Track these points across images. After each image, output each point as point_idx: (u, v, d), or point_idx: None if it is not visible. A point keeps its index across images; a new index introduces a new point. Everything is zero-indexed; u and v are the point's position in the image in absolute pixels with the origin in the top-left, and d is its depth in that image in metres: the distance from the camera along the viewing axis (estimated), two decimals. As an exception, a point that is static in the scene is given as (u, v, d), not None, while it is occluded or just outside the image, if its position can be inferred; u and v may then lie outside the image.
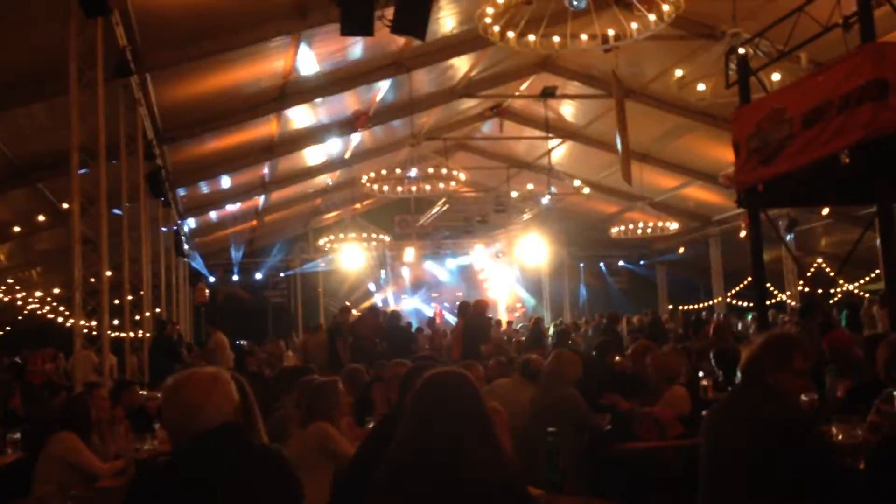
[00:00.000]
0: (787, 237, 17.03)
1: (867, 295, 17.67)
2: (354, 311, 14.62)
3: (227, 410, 2.48)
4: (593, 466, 5.62)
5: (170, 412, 2.57)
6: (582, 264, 26.19)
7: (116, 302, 11.51)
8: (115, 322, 12.70)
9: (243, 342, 19.86)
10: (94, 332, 9.65)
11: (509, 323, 21.48)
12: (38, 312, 20.13)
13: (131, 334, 11.05)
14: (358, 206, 22.18)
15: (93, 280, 8.96)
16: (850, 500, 2.97)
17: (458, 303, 14.48)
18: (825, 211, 16.86)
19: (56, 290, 19.92)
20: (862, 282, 20.30)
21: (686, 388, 6.12)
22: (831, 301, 18.17)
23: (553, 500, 2.89)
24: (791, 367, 3.27)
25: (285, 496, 2.44)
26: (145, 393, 8.61)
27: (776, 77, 10.26)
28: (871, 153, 6.33)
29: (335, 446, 4.67)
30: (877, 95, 6.20)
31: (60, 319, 19.69)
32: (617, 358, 8.78)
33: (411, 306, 24.67)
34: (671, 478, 5.44)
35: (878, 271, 16.06)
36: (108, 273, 9.09)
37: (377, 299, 23.39)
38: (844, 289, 20.33)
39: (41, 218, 14.47)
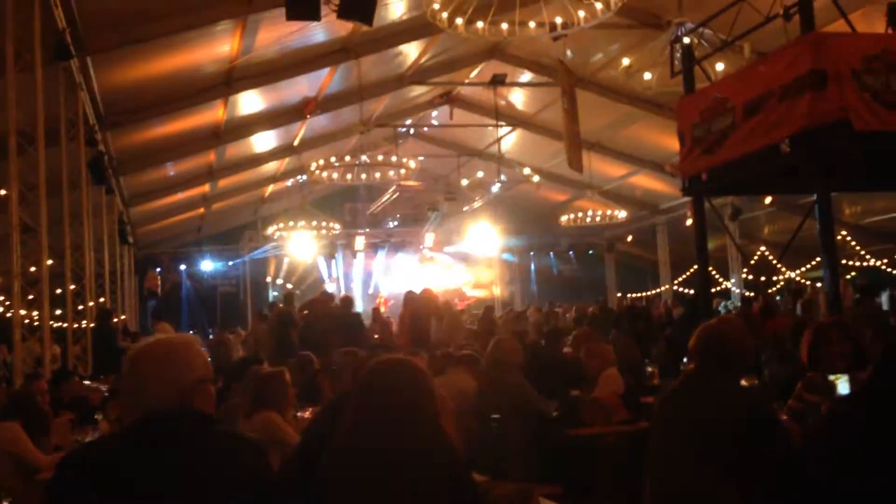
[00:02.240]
0: (732, 226, 17.35)
1: (808, 282, 18.14)
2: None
3: (168, 394, 2.28)
4: (538, 452, 5.69)
5: (121, 388, 2.43)
6: (532, 252, 26.36)
7: (59, 291, 11.27)
8: (58, 312, 12.45)
9: (191, 332, 19.57)
10: (36, 322, 9.46)
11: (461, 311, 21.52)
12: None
13: (74, 325, 10.83)
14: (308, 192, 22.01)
15: (33, 269, 8.75)
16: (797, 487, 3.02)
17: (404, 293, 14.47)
18: (768, 200, 17.21)
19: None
20: (803, 269, 20.79)
21: (616, 370, 6.23)
22: (773, 288, 18.60)
23: (496, 486, 2.91)
24: (746, 352, 3.33)
25: (239, 490, 2.26)
26: (88, 384, 8.45)
27: (720, 67, 10.43)
28: (811, 143, 6.47)
29: (281, 435, 4.65)
30: (816, 86, 6.33)
31: (0, 309, 19.19)
32: (566, 349, 8.88)
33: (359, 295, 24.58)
34: (614, 462, 5.53)
35: (818, 259, 16.48)
36: (49, 262, 8.90)
37: (328, 287, 23.26)
38: (787, 276, 20.81)
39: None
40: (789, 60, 6.68)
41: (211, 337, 18.42)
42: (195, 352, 2.40)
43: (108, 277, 14.20)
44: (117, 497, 2.19)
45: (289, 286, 14.90)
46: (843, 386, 3.70)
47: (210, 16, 10.37)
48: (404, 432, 2.58)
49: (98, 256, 13.11)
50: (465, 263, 25.57)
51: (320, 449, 2.77)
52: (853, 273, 18.69)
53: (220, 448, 2.35)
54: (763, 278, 17.35)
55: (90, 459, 2.30)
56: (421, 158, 17.79)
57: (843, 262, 18.07)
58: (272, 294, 23.42)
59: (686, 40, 9.30)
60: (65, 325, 10.65)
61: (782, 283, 20.31)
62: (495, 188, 18.51)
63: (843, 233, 18.81)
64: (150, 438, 2.27)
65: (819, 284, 17.81)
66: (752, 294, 15.18)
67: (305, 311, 13.44)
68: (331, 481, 2.64)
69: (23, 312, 8.61)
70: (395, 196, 20.75)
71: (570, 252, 26.25)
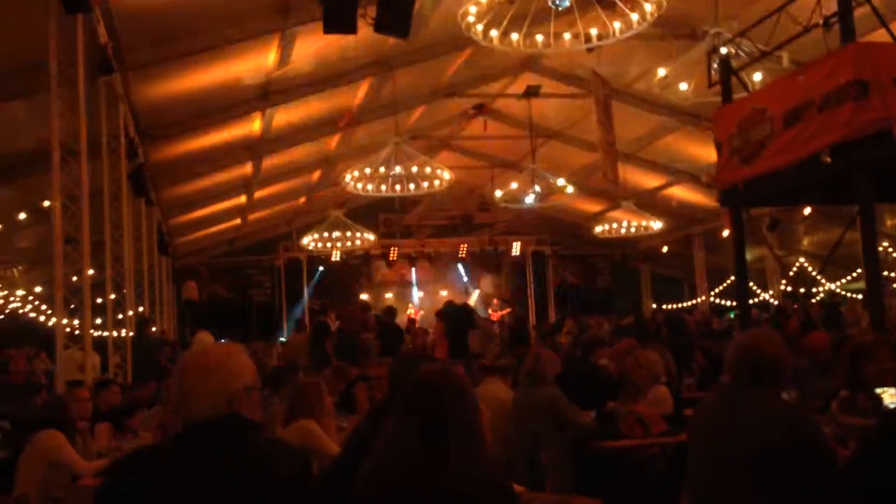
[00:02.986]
0: (770, 236, 17.14)
1: (852, 295, 17.84)
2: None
3: (216, 402, 2.32)
4: (575, 464, 5.66)
5: (172, 392, 2.49)
6: (566, 262, 26.25)
7: (99, 301, 11.45)
8: (98, 321, 12.64)
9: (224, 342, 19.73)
10: (77, 332, 9.61)
11: (494, 322, 21.48)
12: (20, 311, 19.94)
13: (114, 333, 10.98)
14: (341, 211, 22.14)
15: (75, 279, 8.91)
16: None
17: (443, 304, 14.52)
18: (807, 210, 16.99)
19: (38, 289, 19.75)
20: (844, 281, 20.46)
21: (667, 388, 6.17)
22: (814, 300, 18.32)
23: (534, 497, 2.90)
24: (785, 365, 3.27)
25: (282, 499, 2.29)
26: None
27: (758, 77, 10.34)
28: (851, 153, 6.39)
29: (318, 444, 4.69)
30: (857, 95, 6.25)
31: (42, 318, 19.52)
32: (603, 361, 8.81)
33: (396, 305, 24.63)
34: (652, 475, 5.48)
35: (859, 270, 16.21)
36: (91, 272, 9.05)
37: (364, 297, 23.37)
38: (826, 288, 20.49)
39: (22, 216, 14.35)
40: (829, 70, 6.61)
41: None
42: (244, 360, 2.43)
43: (147, 287, 14.40)
44: (167, 502, 2.23)
45: (327, 301, 15.00)
46: (889, 396, 3.62)
47: (248, 30, 10.50)
48: (449, 441, 2.58)
49: (137, 267, 13.31)
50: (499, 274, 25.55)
51: (361, 458, 2.78)
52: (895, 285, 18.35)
53: (268, 454, 2.38)
54: (802, 290, 17.09)
55: (141, 465, 2.35)
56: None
57: (885, 273, 17.77)
58: (309, 305, 23.53)
59: (724, 50, 9.24)
60: (105, 333, 10.80)
61: (822, 295, 20.01)
62: (529, 199, 18.46)
63: (885, 244, 18.50)
64: (201, 444, 2.30)
65: (853, 296, 17.59)
66: (793, 305, 14.96)
67: (339, 322, 13.53)
68: (371, 491, 2.65)
69: (65, 321, 8.76)
70: (429, 208, 20.78)
71: (604, 262, 26.11)
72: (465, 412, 2.65)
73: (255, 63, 11.87)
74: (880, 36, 7.76)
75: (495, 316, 22.92)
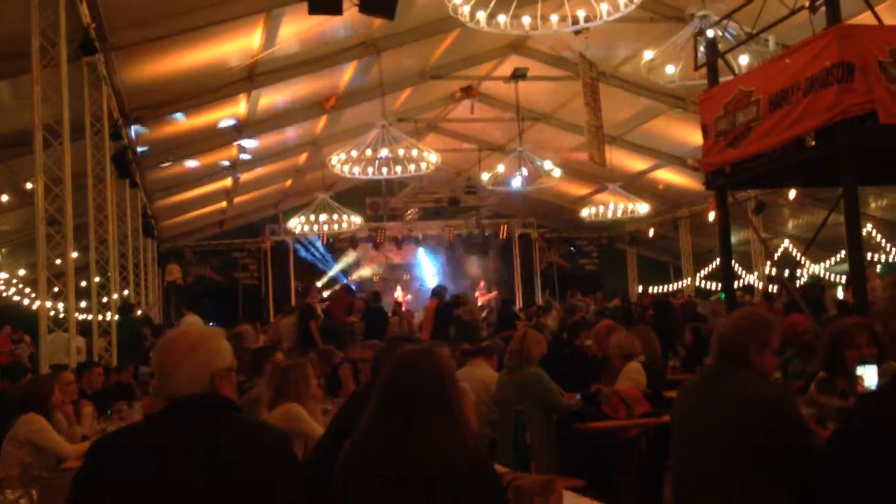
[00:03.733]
0: (755, 219, 17.23)
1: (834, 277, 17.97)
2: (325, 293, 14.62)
3: (199, 379, 2.36)
4: (560, 445, 5.69)
5: (154, 369, 2.51)
6: (552, 247, 26.32)
7: (84, 284, 11.39)
8: (83, 304, 12.59)
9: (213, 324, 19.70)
10: (62, 315, 9.57)
11: (482, 307, 21.52)
12: (3, 294, 19.84)
13: (99, 317, 10.94)
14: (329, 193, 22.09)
15: (58, 261, 8.86)
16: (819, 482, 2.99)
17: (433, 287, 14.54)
18: (792, 193, 17.06)
19: (21, 272, 19.64)
20: (828, 263, 20.60)
21: (640, 364, 6.20)
22: (797, 282, 18.45)
23: (519, 477, 2.91)
24: (771, 346, 3.29)
25: (264, 475, 2.31)
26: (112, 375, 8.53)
27: (744, 60, 10.34)
28: (836, 136, 6.41)
29: (303, 427, 4.68)
30: (842, 78, 6.26)
31: (26, 302, 19.41)
32: (588, 342, 8.86)
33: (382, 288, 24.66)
34: (636, 456, 5.52)
35: (843, 253, 16.32)
36: (75, 254, 9.00)
37: (348, 281, 23.37)
38: (811, 270, 20.63)
39: (5, 198, 14.25)
40: (815, 53, 6.61)
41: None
42: (223, 342, 2.49)
43: (132, 270, 14.34)
44: (150, 479, 2.24)
45: (317, 284, 15.01)
46: (870, 377, 3.64)
47: (233, 11, 10.41)
48: (429, 421, 2.59)
49: (122, 249, 13.25)
50: (485, 256, 25.56)
51: (344, 440, 2.78)
52: (879, 267, 18.51)
53: (248, 433, 2.42)
54: (787, 272, 17.19)
55: (122, 444, 2.36)
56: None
57: (869, 256, 17.89)
58: (295, 288, 23.51)
59: (710, 33, 9.22)
60: (90, 317, 10.76)
61: (806, 277, 20.14)
62: (516, 182, 18.46)
63: (869, 227, 18.62)
64: (183, 421, 2.33)
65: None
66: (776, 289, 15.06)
67: (325, 304, 13.53)
68: (352, 470, 2.65)
69: (49, 304, 8.71)
70: (416, 190, 20.75)
71: (591, 245, 26.19)
72: (445, 393, 2.66)
73: (241, 44, 11.79)
74: (866, 18, 7.77)
75: (482, 299, 22.97)
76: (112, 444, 2.39)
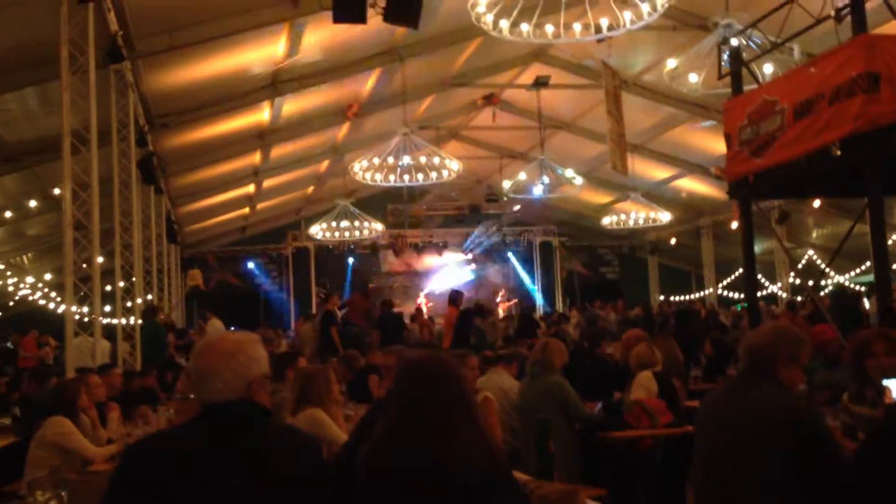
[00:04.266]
0: (779, 229, 17.09)
1: (861, 287, 17.77)
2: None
3: (236, 385, 2.38)
4: (581, 453, 5.68)
5: (191, 373, 2.52)
6: (574, 254, 26.28)
7: (108, 288, 11.50)
8: (108, 308, 12.70)
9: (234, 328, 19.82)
10: (87, 319, 9.67)
11: (505, 318, 21.48)
12: (30, 298, 20.06)
13: (123, 321, 11.04)
14: (350, 200, 22.18)
15: (84, 266, 8.96)
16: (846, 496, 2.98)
17: (450, 292, 14.50)
18: (816, 203, 16.93)
19: (48, 276, 19.86)
20: (853, 273, 20.40)
21: (652, 373, 6.18)
22: (822, 293, 18.28)
23: (540, 485, 2.92)
24: (799, 361, 3.28)
25: (298, 480, 2.36)
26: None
27: (768, 68, 10.29)
28: (862, 145, 6.36)
29: (327, 432, 4.70)
30: (868, 88, 6.22)
31: (52, 306, 19.62)
32: (609, 350, 8.83)
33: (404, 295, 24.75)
34: (658, 465, 5.50)
35: (868, 263, 16.18)
36: (100, 259, 9.09)
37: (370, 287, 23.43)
38: (835, 280, 20.44)
39: (33, 203, 14.43)
40: (841, 62, 6.58)
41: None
42: (261, 349, 2.51)
43: (155, 275, 14.46)
44: (188, 483, 2.26)
45: (335, 292, 15.12)
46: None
47: (258, 19, 10.50)
48: (443, 427, 2.59)
49: (146, 254, 13.37)
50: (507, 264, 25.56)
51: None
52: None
53: (283, 438, 2.45)
54: (811, 282, 17.04)
55: (161, 447, 2.39)
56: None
57: (895, 266, 17.68)
58: (317, 294, 23.60)
59: (734, 42, 9.19)
60: (114, 321, 10.86)
61: (831, 287, 19.95)
62: (537, 190, 18.45)
63: (894, 237, 18.41)
64: (220, 426, 2.35)
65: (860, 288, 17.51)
66: (800, 299, 14.93)
67: (344, 310, 13.56)
68: (372, 474, 2.67)
69: (74, 308, 8.81)
70: (437, 198, 20.80)
71: (612, 254, 26.11)
72: (465, 397, 2.67)
73: (265, 52, 11.87)
74: (892, 28, 7.72)
75: (503, 307, 22.96)
76: (151, 448, 2.42)
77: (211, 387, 2.37)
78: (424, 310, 21.11)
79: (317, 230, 21.04)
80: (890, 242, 13.41)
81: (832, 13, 7.10)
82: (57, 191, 11.81)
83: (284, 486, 2.32)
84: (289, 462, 2.37)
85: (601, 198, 22.73)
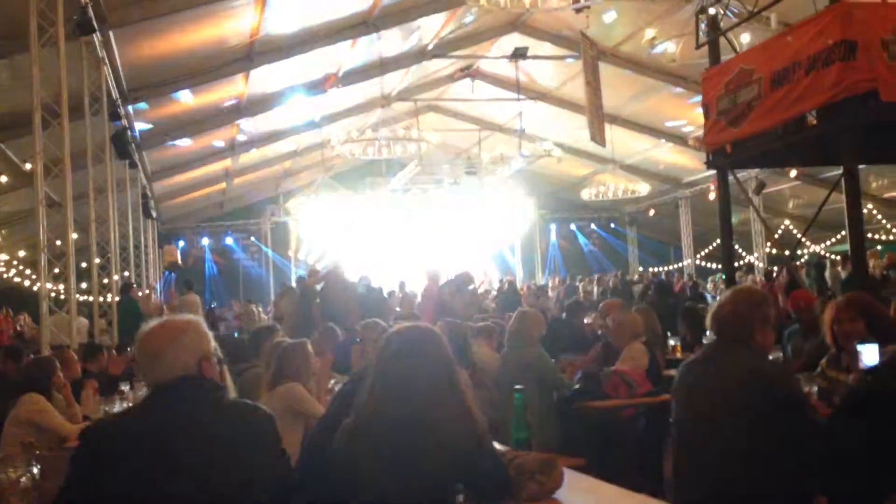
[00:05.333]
0: (756, 199, 17.18)
1: (834, 256, 17.95)
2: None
3: (188, 362, 2.44)
4: (560, 424, 5.70)
5: (138, 360, 2.58)
6: (554, 226, 26.34)
7: (84, 265, 11.39)
8: (83, 285, 12.59)
9: (214, 305, 19.77)
10: (62, 296, 9.57)
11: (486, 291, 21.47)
12: (4, 276, 19.84)
13: (100, 298, 10.94)
14: (331, 166, 22.05)
15: (59, 243, 8.85)
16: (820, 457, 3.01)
17: (428, 266, 14.44)
18: (793, 173, 17.03)
19: (21, 253, 19.64)
20: (828, 243, 20.59)
21: (643, 344, 6.20)
22: (798, 262, 18.45)
23: (519, 455, 2.92)
24: (769, 322, 3.31)
25: (251, 453, 2.41)
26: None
27: (746, 38, 10.28)
28: (838, 114, 6.37)
29: (304, 406, 4.69)
30: (844, 56, 6.21)
31: (27, 283, 19.42)
32: (587, 320, 8.85)
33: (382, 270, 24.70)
34: (636, 434, 5.53)
35: (843, 233, 16.35)
36: (75, 236, 8.99)
37: (346, 261, 23.33)
38: (811, 250, 20.63)
39: (4, 179, 14.21)
40: (817, 31, 6.56)
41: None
42: (205, 327, 2.58)
43: (132, 251, 14.33)
44: (146, 460, 2.28)
45: (315, 266, 15.04)
46: (869, 356, 3.65)
47: (231, -11, 10.35)
48: (428, 397, 2.60)
49: (122, 230, 13.24)
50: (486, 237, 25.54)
51: (343, 417, 2.79)
52: (879, 246, 18.48)
53: (236, 413, 2.51)
54: (787, 252, 17.18)
55: (119, 426, 2.41)
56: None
57: (869, 235, 17.88)
58: (295, 268, 23.51)
59: (711, 11, 9.15)
60: (90, 298, 10.77)
61: (806, 256, 20.14)
62: (517, 162, 18.42)
63: (870, 206, 18.59)
64: (175, 403, 2.40)
65: (833, 257, 17.69)
66: (776, 268, 15.06)
67: (320, 285, 13.47)
68: (353, 448, 2.66)
69: (49, 286, 8.71)
70: (416, 171, 20.69)
71: (592, 226, 26.18)
72: (442, 368, 2.67)
73: (240, 23, 11.71)
74: (869, -4, 7.71)
75: (484, 280, 22.96)
76: (107, 429, 2.48)
77: (162, 365, 2.42)
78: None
79: (295, 204, 20.94)
80: (865, 211, 13.52)
81: (809, -19, 7.08)
82: (28, 166, 11.63)
83: (238, 459, 2.37)
84: (243, 436, 2.42)
85: (580, 170, 22.74)
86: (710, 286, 16.25)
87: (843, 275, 13.88)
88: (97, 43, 9.87)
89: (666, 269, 24.77)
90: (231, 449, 2.37)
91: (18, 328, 15.59)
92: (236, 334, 14.00)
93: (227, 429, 2.41)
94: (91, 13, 8.91)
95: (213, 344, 2.56)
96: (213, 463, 2.33)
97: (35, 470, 3.06)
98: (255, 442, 2.44)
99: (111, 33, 10.29)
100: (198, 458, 2.31)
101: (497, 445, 3.03)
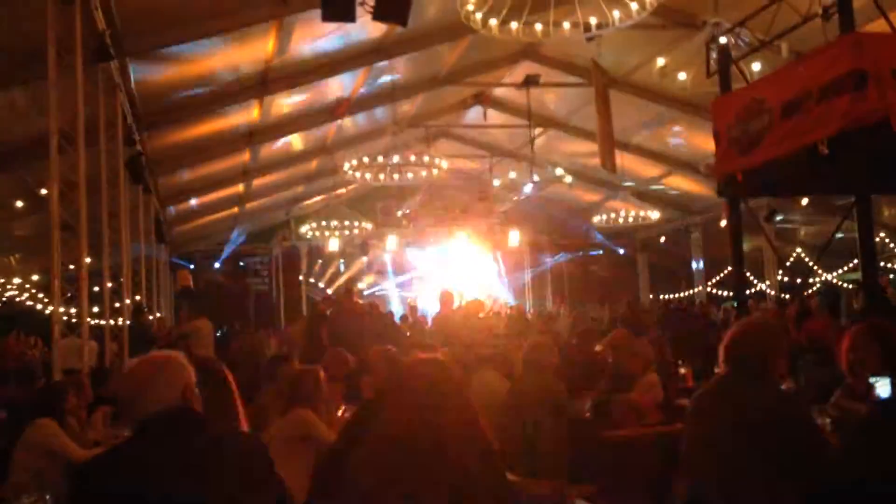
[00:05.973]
0: (767, 227, 17.15)
1: (848, 286, 17.88)
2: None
3: (170, 396, 2.46)
4: (571, 453, 5.68)
5: (121, 399, 2.63)
6: (563, 253, 26.32)
7: (96, 289, 11.43)
8: (95, 309, 12.64)
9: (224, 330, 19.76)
10: (74, 319, 9.61)
11: (496, 314, 21.45)
12: (17, 299, 19.93)
13: (111, 322, 10.98)
14: (343, 190, 22.13)
15: (72, 267, 8.90)
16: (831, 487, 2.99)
17: (441, 290, 14.45)
18: (804, 201, 17.00)
19: (35, 277, 19.75)
20: (840, 271, 20.50)
21: (657, 375, 6.19)
22: (810, 290, 18.37)
23: (530, 484, 2.92)
24: (784, 353, 3.29)
25: (242, 483, 2.42)
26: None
27: (756, 67, 10.32)
28: (849, 144, 6.38)
29: (315, 432, 4.69)
30: (855, 86, 6.24)
31: (40, 307, 19.50)
32: (598, 347, 8.82)
33: (393, 295, 24.74)
34: (647, 464, 5.49)
35: (856, 261, 16.27)
36: (88, 260, 9.03)
37: (359, 286, 23.38)
38: (823, 278, 20.53)
39: (19, 203, 14.33)
40: (828, 61, 6.60)
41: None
42: (184, 361, 2.63)
43: (144, 275, 14.39)
44: (139, 497, 2.29)
45: (329, 293, 15.09)
46: (882, 389, 3.63)
47: (247, 18, 10.45)
48: (442, 428, 2.60)
49: (135, 254, 13.30)
50: (496, 263, 25.53)
51: (356, 446, 2.79)
52: (892, 276, 18.39)
53: (226, 443, 2.54)
54: (799, 280, 17.12)
55: (108, 467, 2.44)
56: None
57: (882, 264, 17.79)
58: (306, 293, 23.54)
59: (723, 40, 9.21)
60: (102, 322, 10.80)
61: (819, 285, 20.05)
62: (528, 188, 18.46)
63: (882, 234, 18.53)
64: (163, 436, 2.42)
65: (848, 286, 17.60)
66: (788, 296, 14.99)
67: (330, 310, 13.47)
68: (364, 476, 2.66)
69: (61, 309, 8.75)
70: (427, 197, 20.79)
71: (602, 252, 26.14)
72: (455, 399, 2.67)
73: (254, 50, 11.83)
74: (879, 26, 7.74)
75: (494, 306, 22.93)
76: (99, 468, 2.47)
77: (147, 400, 2.45)
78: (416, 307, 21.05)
79: (306, 229, 21.00)
80: (877, 240, 13.47)
81: (820, 11, 7.12)
82: (44, 191, 11.73)
83: (231, 489, 2.39)
84: (235, 465, 2.44)
85: (591, 196, 22.76)
86: (720, 314, 16.17)
87: (856, 304, 13.78)
88: (113, 70, 9.99)
89: (677, 296, 24.68)
90: (223, 479, 2.39)
91: (28, 352, 15.63)
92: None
93: (219, 460, 2.43)
94: (108, 40, 9.03)
95: (192, 377, 2.59)
96: (207, 495, 2.34)
97: (48, 497, 3.08)
98: (248, 471, 2.46)
99: (128, 60, 10.43)
100: (191, 491, 2.33)
101: (508, 475, 3.03)
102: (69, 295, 8.87)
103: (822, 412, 4.13)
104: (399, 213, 21.97)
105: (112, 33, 9.21)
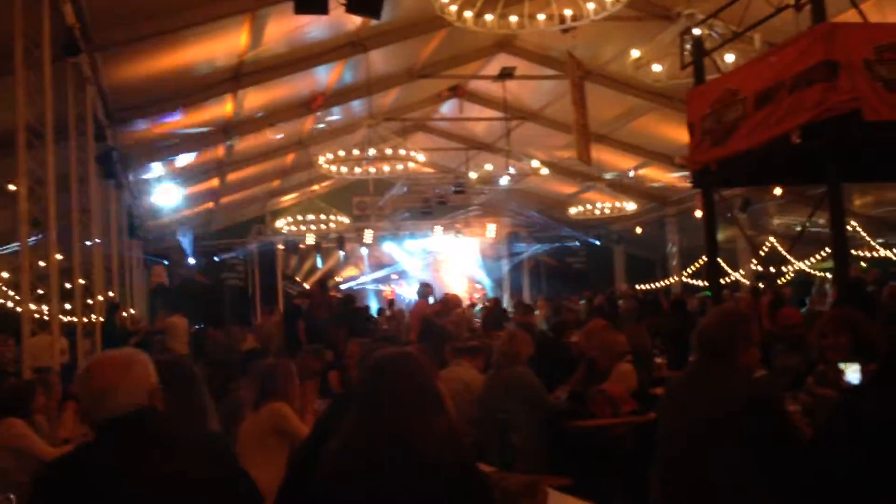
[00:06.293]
0: (741, 217, 17.27)
1: (824, 274, 18.06)
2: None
3: (138, 395, 2.41)
4: (547, 444, 5.68)
5: (82, 397, 2.53)
6: (540, 245, 26.37)
7: (67, 286, 11.30)
8: (67, 306, 12.49)
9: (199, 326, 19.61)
10: (45, 317, 9.49)
11: (472, 306, 21.49)
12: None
13: (84, 319, 10.85)
14: (316, 187, 22.01)
15: (42, 264, 8.78)
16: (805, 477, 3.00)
17: (418, 283, 14.47)
18: (778, 191, 17.13)
19: (4, 274, 19.47)
20: (813, 260, 20.70)
21: (632, 365, 6.21)
22: (784, 279, 18.56)
23: (504, 477, 2.91)
24: (753, 341, 3.31)
25: (207, 482, 2.39)
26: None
27: (730, 58, 10.36)
28: (821, 133, 6.42)
29: (289, 426, 4.67)
30: (827, 76, 6.27)
31: (11, 304, 19.24)
32: (574, 338, 8.85)
33: (370, 288, 24.71)
34: (623, 454, 5.52)
35: (828, 249, 16.42)
36: (58, 256, 8.92)
37: (336, 280, 23.32)
38: (796, 267, 20.73)
39: (-13, 200, 14.12)
40: (800, 51, 6.62)
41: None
42: (148, 362, 2.55)
43: (116, 271, 14.24)
44: (109, 498, 2.26)
45: (306, 286, 15.00)
46: (852, 375, 3.66)
47: (219, 11, 10.35)
48: (412, 420, 2.58)
49: (107, 251, 13.15)
50: (473, 255, 25.57)
51: (328, 441, 2.77)
52: (863, 264, 18.60)
53: (192, 443, 2.50)
54: (772, 269, 17.27)
55: (71, 472, 2.38)
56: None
57: (853, 252, 17.99)
58: (282, 288, 23.42)
59: (696, 31, 9.23)
60: (74, 319, 10.68)
61: (792, 274, 20.25)
62: (504, 181, 18.47)
63: (854, 223, 18.72)
64: (129, 438, 2.37)
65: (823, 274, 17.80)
66: (762, 285, 15.11)
67: (303, 302, 13.42)
68: (337, 471, 2.64)
69: (32, 307, 8.64)
70: (403, 190, 20.73)
71: (578, 244, 26.24)
72: (425, 392, 2.66)
73: (227, 44, 11.72)
74: (851, 16, 7.80)
75: (471, 298, 22.96)
76: (61, 472, 2.42)
77: (114, 401, 2.38)
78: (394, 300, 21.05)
79: (282, 224, 20.88)
80: (849, 228, 13.60)
81: (792, 2, 7.15)
82: (12, 187, 11.56)
83: (196, 489, 2.35)
84: (199, 465, 2.40)
85: (567, 188, 22.82)
86: (696, 304, 16.26)
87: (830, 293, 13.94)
88: (83, 64, 9.85)
89: (653, 286, 24.81)
90: (188, 479, 2.35)
91: None
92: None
93: (183, 460, 2.38)
94: (77, 35, 8.90)
95: (155, 377, 2.54)
96: (172, 495, 2.31)
97: (12, 497, 3.03)
98: (214, 470, 2.42)
99: (97, 55, 10.28)
100: (156, 492, 2.29)
101: (482, 466, 3.02)
102: (40, 292, 8.75)
103: (794, 399, 4.16)
104: (376, 206, 21.89)
105: (81, 27, 9.07)
